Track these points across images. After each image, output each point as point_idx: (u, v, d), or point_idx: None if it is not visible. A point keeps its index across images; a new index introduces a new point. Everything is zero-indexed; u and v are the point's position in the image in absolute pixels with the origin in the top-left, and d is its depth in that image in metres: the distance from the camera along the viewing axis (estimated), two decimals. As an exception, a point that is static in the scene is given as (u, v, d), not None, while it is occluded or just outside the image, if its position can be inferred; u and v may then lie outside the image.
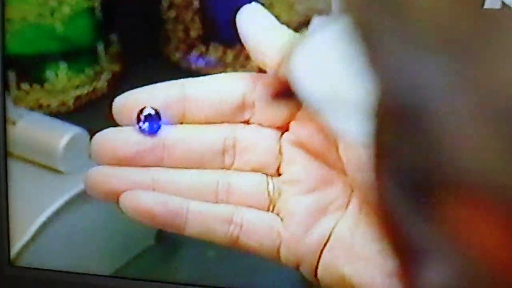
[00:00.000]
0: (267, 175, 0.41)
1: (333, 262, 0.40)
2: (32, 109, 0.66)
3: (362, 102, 0.22)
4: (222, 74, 0.42)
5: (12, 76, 0.66)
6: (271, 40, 0.40)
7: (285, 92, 0.34)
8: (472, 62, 0.21)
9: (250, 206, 0.41)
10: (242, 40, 0.41)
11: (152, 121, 0.40)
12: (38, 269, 0.60)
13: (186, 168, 0.41)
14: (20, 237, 0.58)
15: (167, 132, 0.40)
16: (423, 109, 0.21)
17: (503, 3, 0.28)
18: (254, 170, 0.41)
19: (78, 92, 0.69)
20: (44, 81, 0.67)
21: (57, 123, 0.62)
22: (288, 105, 0.40)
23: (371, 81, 0.22)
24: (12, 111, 0.61)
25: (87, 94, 0.70)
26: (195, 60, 0.70)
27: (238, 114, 0.41)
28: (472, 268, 0.21)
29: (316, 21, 0.35)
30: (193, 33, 0.69)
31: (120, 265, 0.65)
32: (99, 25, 0.70)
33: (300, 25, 0.60)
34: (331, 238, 0.40)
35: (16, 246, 0.59)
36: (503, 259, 0.21)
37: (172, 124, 0.40)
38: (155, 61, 0.71)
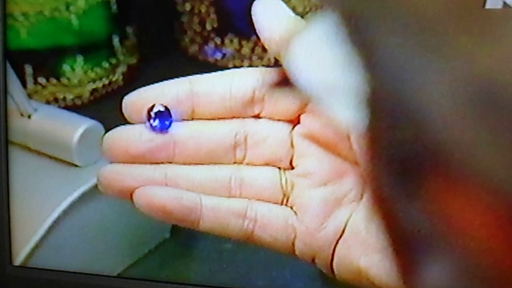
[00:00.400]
0: (279, 168, 0.41)
1: (349, 255, 0.40)
2: (48, 102, 0.67)
3: (355, 91, 0.23)
4: (231, 70, 0.42)
5: (28, 70, 0.66)
6: (286, 31, 0.40)
7: (285, 82, 0.34)
8: (454, 52, 0.21)
9: (264, 200, 0.41)
10: (257, 32, 0.41)
11: (162, 118, 0.40)
12: (42, 269, 0.60)
13: (198, 163, 0.41)
14: (35, 232, 0.58)
15: (177, 128, 0.40)
16: (411, 97, 0.21)
17: (505, 3, 0.28)
18: (267, 163, 0.41)
19: (94, 85, 0.69)
20: (61, 75, 0.68)
21: (72, 116, 0.62)
22: (290, 95, 0.40)
23: (362, 71, 0.22)
24: (27, 105, 0.61)
25: (103, 87, 0.70)
26: (211, 52, 0.69)
27: (249, 108, 0.41)
28: (465, 256, 0.21)
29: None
30: (209, 26, 0.69)
31: (136, 259, 0.65)
32: (115, 18, 0.70)
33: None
34: (346, 230, 0.40)
35: (31, 241, 0.59)
36: (495, 245, 0.21)
37: (182, 121, 0.41)
38: (171, 54, 0.71)
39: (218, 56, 0.69)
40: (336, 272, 0.41)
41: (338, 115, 0.29)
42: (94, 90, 0.69)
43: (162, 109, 0.40)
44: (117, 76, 0.70)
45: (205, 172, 0.41)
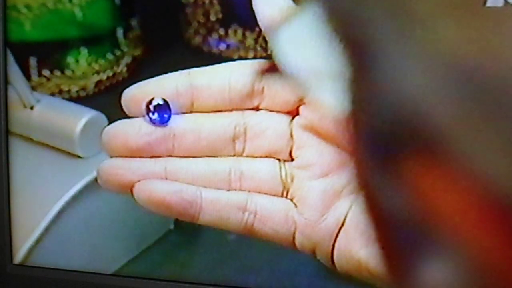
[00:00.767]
0: (279, 160, 0.41)
1: (349, 247, 0.40)
2: (53, 95, 0.67)
3: (338, 75, 0.23)
4: (230, 63, 0.42)
5: (33, 62, 0.67)
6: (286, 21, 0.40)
7: (272, 68, 0.34)
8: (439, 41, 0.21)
9: (264, 193, 0.41)
10: (258, 21, 0.41)
11: (161, 112, 0.40)
12: (43, 267, 0.60)
13: (198, 156, 0.41)
14: (37, 225, 0.58)
15: (177, 121, 0.40)
16: (394, 83, 0.21)
17: (506, 1, 0.28)
18: (266, 155, 0.41)
19: (98, 77, 0.69)
20: (65, 67, 0.68)
21: (75, 107, 0.62)
22: (282, 83, 0.40)
23: (345, 57, 0.22)
24: (29, 96, 0.61)
25: (107, 79, 0.70)
26: (215, 43, 0.69)
27: (248, 101, 0.41)
28: (450, 244, 0.21)
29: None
30: (213, 17, 0.69)
31: (140, 250, 0.65)
32: (119, 10, 0.70)
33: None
34: (346, 222, 0.40)
35: (32, 235, 0.59)
36: (479, 232, 0.21)
37: (181, 114, 0.41)
38: (175, 45, 0.71)
39: (222, 47, 0.69)
40: (336, 264, 0.41)
41: (324, 100, 0.29)
42: (99, 82, 0.69)
43: (161, 102, 0.40)
44: (121, 68, 0.70)
45: (204, 165, 0.41)
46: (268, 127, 0.41)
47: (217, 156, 0.41)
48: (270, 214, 0.40)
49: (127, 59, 0.71)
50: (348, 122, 0.23)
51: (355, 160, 0.24)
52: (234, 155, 0.41)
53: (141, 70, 0.71)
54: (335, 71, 0.23)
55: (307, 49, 0.28)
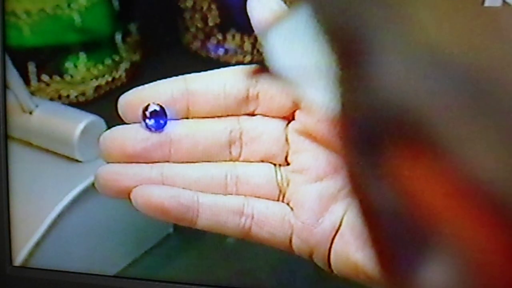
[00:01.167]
0: (275, 165, 0.42)
1: (345, 250, 0.40)
2: (52, 100, 0.67)
3: (328, 74, 0.23)
4: (225, 68, 0.42)
5: (32, 68, 0.67)
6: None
7: (263, 70, 0.35)
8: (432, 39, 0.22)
9: (260, 197, 0.41)
10: (253, 26, 0.41)
11: (157, 117, 0.40)
12: (43, 269, 0.60)
13: (194, 162, 0.41)
14: (36, 229, 0.59)
15: (173, 127, 0.41)
16: (381, 80, 0.22)
17: (504, 1, 0.28)
18: (262, 160, 0.41)
19: (97, 82, 0.69)
20: (64, 72, 0.68)
21: (73, 111, 0.62)
22: (274, 85, 0.40)
23: (332, 54, 0.23)
24: (28, 101, 0.61)
25: (106, 84, 0.70)
26: (214, 48, 0.70)
27: (243, 106, 0.41)
28: (440, 240, 0.22)
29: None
30: (211, 22, 0.69)
31: (140, 254, 0.65)
32: (117, 15, 0.70)
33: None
34: (342, 225, 0.40)
35: (32, 239, 0.59)
36: (470, 229, 0.21)
37: (177, 119, 0.41)
38: (174, 50, 0.71)
39: (221, 52, 0.70)
40: (333, 267, 0.41)
41: (315, 99, 0.29)
42: (98, 87, 0.69)
43: (157, 108, 0.40)
44: (120, 73, 0.71)
45: (201, 170, 0.41)
46: (264, 132, 0.41)
47: (213, 161, 0.41)
48: (266, 218, 0.41)
49: (126, 64, 0.71)
50: (338, 122, 0.24)
51: (347, 163, 0.24)
52: (230, 160, 0.41)
53: (140, 75, 0.71)
54: (325, 71, 0.24)
55: (297, 49, 0.28)
